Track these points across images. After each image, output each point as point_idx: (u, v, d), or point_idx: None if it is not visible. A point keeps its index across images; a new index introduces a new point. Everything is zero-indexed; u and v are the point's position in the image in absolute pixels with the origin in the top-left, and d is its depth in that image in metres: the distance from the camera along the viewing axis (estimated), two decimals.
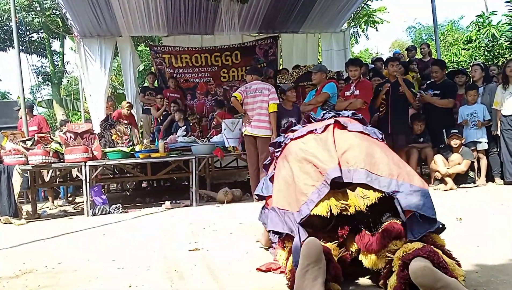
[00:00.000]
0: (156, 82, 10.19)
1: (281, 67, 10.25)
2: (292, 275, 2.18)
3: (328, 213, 2.27)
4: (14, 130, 7.05)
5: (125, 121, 8.71)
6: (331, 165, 2.32)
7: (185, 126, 8.06)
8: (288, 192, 2.44)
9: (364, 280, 2.41)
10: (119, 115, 8.72)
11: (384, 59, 8.10)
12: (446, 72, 6.95)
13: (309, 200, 2.30)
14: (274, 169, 2.82)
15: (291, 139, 2.68)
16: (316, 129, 2.60)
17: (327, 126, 2.60)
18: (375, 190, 2.26)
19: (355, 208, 2.27)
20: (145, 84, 11.27)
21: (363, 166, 2.31)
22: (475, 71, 6.58)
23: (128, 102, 8.95)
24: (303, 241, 2.15)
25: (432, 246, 2.07)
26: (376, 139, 2.58)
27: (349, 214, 2.29)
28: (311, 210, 2.26)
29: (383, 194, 2.25)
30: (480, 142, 6.20)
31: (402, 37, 32.53)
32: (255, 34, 10.63)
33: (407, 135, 6.33)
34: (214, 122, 8.35)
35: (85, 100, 10.12)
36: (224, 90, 10.15)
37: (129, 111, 8.70)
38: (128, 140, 7.08)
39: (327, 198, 2.29)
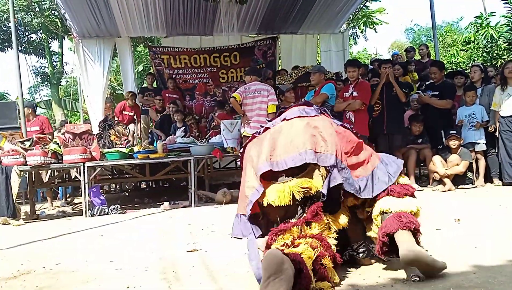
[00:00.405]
0: (155, 83, 10.20)
1: (280, 68, 10.26)
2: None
3: (291, 201, 2.39)
4: (13, 131, 7.03)
5: (131, 114, 8.68)
6: (260, 162, 2.49)
7: (183, 127, 8.05)
8: (243, 197, 2.60)
9: (362, 281, 2.41)
10: (124, 107, 8.66)
11: (383, 60, 8.10)
12: (445, 73, 6.96)
13: (249, 201, 2.48)
14: None
15: (243, 148, 2.84)
16: (258, 132, 2.76)
17: (266, 128, 2.75)
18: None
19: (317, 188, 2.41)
20: (144, 85, 11.27)
21: (311, 147, 2.46)
22: (475, 72, 6.59)
23: (130, 92, 8.92)
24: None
25: (407, 213, 2.40)
26: (316, 116, 2.70)
27: (312, 195, 2.42)
28: (251, 209, 2.47)
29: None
30: (478, 143, 6.21)
31: (401, 38, 32.60)
32: (254, 35, 10.65)
33: (403, 135, 6.33)
34: (214, 123, 8.35)
35: (84, 100, 10.12)
36: (223, 90, 10.15)
37: (133, 101, 8.66)
38: (126, 140, 7.07)
39: (286, 186, 2.41)
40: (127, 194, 8.66)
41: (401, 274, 2.45)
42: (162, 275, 2.75)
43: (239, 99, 6.05)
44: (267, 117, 6.01)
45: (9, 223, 5.41)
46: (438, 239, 3.26)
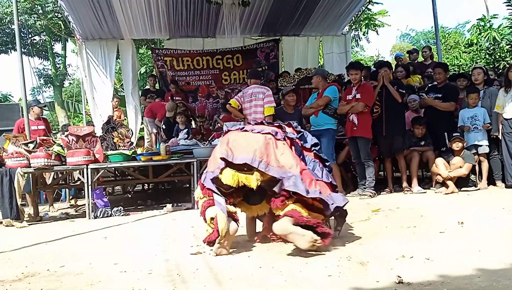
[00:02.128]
0: (157, 85, 10.22)
1: (282, 70, 10.27)
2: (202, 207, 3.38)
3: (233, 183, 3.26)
4: (16, 133, 7.07)
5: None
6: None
7: (186, 129, 8.06)
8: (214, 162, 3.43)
9: (364, 283, 2.42)
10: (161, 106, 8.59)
11: (381, 63, 8.08)
12: (448, 75, 6.94)
13: (216, 169, 3.32)
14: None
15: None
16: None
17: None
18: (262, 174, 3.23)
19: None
20: (146, 87, 11.31)
21: (260, 158, 3.24)
22: (478, 74, 6.54)
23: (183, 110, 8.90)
24: None
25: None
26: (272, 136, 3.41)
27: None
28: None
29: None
30: (480, 146, 6.19)
31: (397, 43, 32.47)
32: (257, 37, 10.67)
33: (403, 137, 6.27)
34: (218, 125, 8.35)
35: (87, 102, 10.15)
36: (226, 92, 10.15)
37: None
38: (129, 142, 7.08)
39: (235, 174, 3.26)
40: (129, 196, 8.67)
41: (404, 277, 2.45)
42: (166, 278, 2.76)
43: (237, 105, 6.05)
44: (264, 119, 5.91)
45: (13, 225, 5.42)
46: (442, 242, 3.26)
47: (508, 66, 6.71)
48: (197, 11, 8.97)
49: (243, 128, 3.59)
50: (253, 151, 3.24)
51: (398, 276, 2.44)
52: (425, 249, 3.04)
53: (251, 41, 10.69)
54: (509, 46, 11.60)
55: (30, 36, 18.16)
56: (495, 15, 13.31)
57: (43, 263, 3.32)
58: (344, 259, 2.93)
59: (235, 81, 10.45)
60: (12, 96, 23.56)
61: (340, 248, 3.21)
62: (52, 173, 6.79)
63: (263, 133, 3.40)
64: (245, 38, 10.47)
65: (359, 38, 16.08)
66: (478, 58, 12.64)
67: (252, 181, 3.24)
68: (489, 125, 6.16)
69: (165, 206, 6.09)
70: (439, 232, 3.54)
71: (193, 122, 9.53)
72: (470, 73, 7.11)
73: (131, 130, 7.65)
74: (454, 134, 6.04)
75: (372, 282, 2.44)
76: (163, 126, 8.51)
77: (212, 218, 3.23)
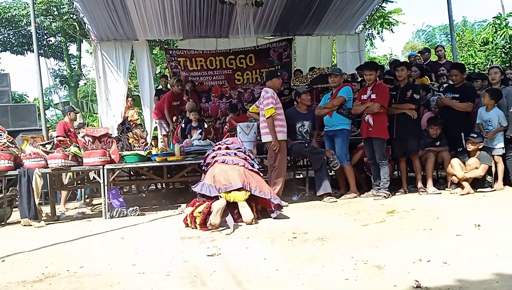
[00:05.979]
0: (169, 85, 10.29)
1: (294, 69, 10.26)
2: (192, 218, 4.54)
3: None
4: (33, 133, 7.18)
5: (177, 103, 8.72)
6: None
7: (200, 130, 8.10)
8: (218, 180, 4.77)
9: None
10: (172, 97, 8.74)
11: (400, 61, 8.01)
12: (465, 76, 6.84)
13: (215, 188, 4.71)
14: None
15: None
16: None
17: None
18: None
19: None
20: (159, 87, 11.37)
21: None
22: (495, 74, 6.43)
23: (175, 78, 8.98)
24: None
25: None
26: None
27: None
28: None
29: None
30: (494, 148, 6.09)
31: (412, 40, 32.13)
32: (270, 37, 10.68)
33: (417, 139, 6.15)
34: (226, 126, 8.36)
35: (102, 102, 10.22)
36: (239, 92, 10.20)
37: (179, 88, 8.77)
38: (144, 143, 7.15)
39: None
40: (143, 195, 8.73)
41: (421, 282, 2.45)
42: (184, 280, 2.78)
43: (256, 110, 6.08)
44: (265, 122, 5.80)
45: (31, 225, 5.52)
46: (459, 245, 3.24)
47: None
48: (210, 11, 9.01)
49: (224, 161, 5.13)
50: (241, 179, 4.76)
51: (416, 281, 2.44)
52: (442, 252, 3.02)
53: (264, 41, 10.70)
54: None
55: (46, 37, 18.44)
56: (510, 13, 13.09)
57: (63, 263, 3.37)
58: (360, 262, 2.93)
59: (248, 81, 10.47)
60: (28, 96, 23.94)
61: (356, 251, 3.20)
62: (69, 173, 6.89)
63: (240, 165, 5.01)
64: (258, 38, 10.49)
65: (373, 37, 15.99)
66: (494, 56, 12.48)
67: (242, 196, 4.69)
68: (503, 128, 6.03)
69: (180, 206, 6.13)
70: (456, 235, 3.52)
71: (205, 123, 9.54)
72: (487, 73, 7.00)
73: (146, 131, 7.70)
74: (471, 135, 5.96)
75: (390, 286, 2.44)
76: (182, 126, 8.55)
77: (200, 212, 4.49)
